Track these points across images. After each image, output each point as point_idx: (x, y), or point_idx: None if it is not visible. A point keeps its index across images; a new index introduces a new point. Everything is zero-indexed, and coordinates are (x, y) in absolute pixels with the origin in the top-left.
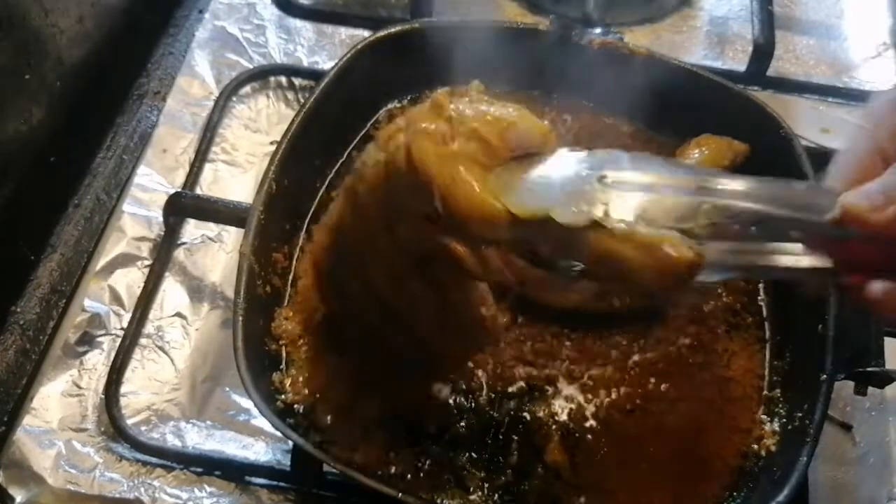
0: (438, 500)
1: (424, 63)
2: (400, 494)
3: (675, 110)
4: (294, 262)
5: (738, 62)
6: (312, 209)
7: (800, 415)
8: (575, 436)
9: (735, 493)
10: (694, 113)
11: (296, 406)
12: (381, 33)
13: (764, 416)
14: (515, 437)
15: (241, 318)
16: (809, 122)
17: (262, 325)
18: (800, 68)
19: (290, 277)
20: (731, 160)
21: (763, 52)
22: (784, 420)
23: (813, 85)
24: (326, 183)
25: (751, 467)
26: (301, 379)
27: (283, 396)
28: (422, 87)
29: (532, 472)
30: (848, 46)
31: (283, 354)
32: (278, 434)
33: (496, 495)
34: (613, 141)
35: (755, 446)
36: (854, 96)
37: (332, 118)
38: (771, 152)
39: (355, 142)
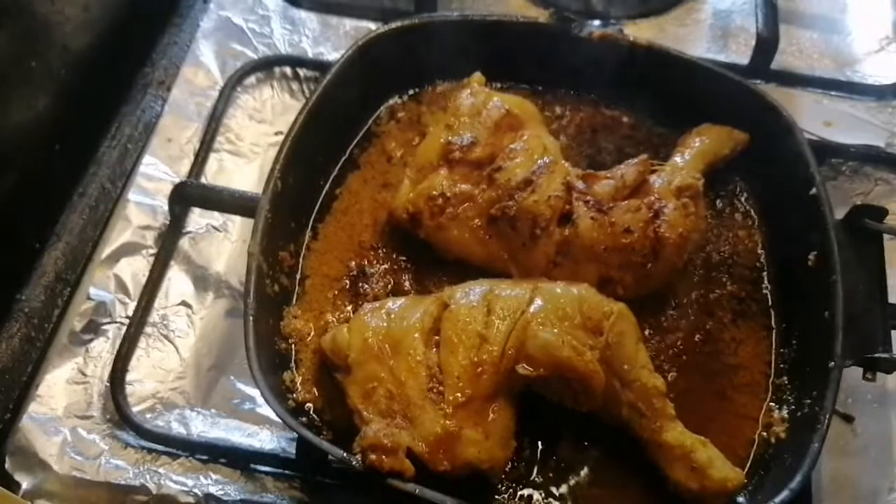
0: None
1: (424, 58)
2: (417, 489)
3: (676, 101)
4: (301, 261)
5: (741, 55)
6: (317, 206)
7: (808, 401)
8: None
9: (746, 481)
10: (694, 103)
11: (307, 405)
12: (382, 30)
13: (773, 404)
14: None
15: (251, 319)
16: (812, 116)
17: (271, 324)
18: (803, 62)
19: (298, 276)
20: (732, 149)
21: (767, 45)
22: (793, 407)
23: (816, 78)
24: (330, 180)
25: (761, 455)
26: (311, 378)
27: (294, 395)
28: (422, 82)
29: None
30: (851, 40)
31: (293, 353)
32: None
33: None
34: (615, 132)
35: (765, 434)
36: (857, 90)
37: (335, 115)
38: (772, 141)
39: (357, 138)
